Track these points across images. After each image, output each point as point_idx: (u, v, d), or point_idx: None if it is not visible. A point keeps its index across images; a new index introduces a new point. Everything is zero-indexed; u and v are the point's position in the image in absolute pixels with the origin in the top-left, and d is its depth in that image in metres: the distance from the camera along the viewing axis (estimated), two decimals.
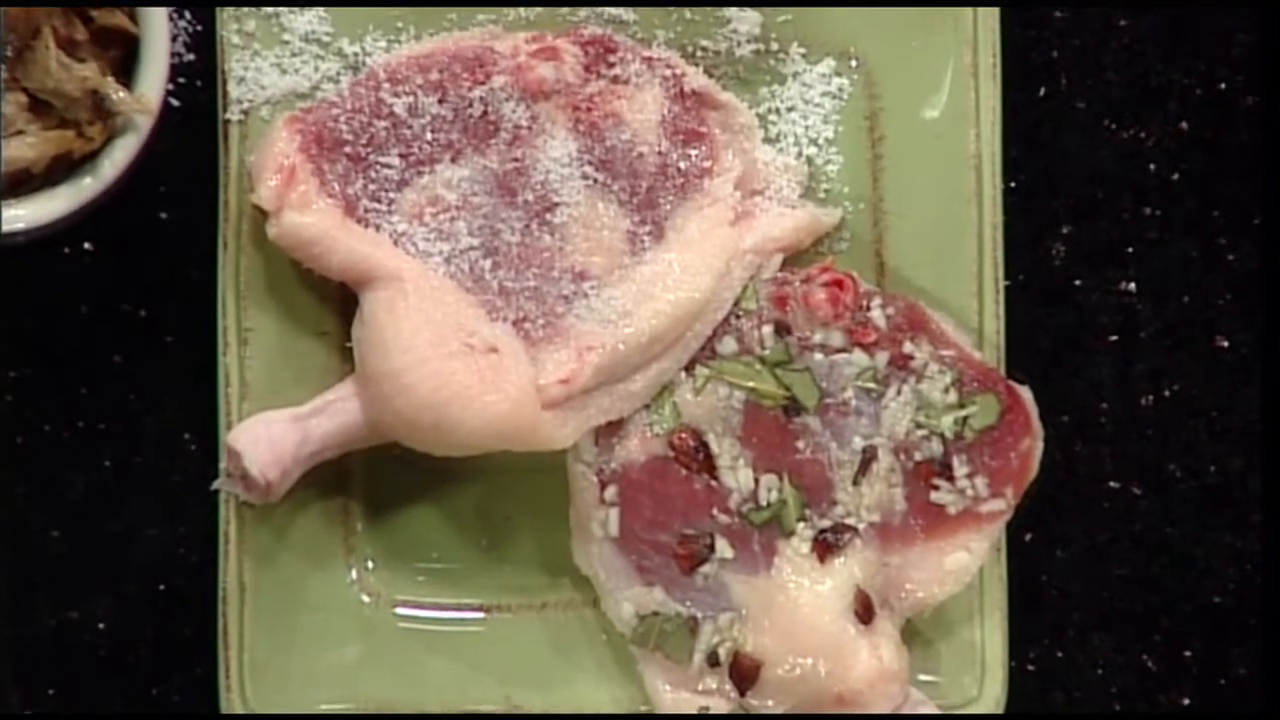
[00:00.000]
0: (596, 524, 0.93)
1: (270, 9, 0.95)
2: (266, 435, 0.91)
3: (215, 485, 0.93)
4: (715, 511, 0.92)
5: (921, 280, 0.96)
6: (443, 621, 0.98)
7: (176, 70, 0.96)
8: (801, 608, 0.91)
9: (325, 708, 0.97)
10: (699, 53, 0.97)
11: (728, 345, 0.93)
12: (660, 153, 0.93)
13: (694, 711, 0.93)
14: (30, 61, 0.89)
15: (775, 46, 0.97)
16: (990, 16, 0.96)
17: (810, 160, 0.97)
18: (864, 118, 0.97)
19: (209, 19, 0.96)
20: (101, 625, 0.99)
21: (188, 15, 0.97)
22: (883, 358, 0.92)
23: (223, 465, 0.93)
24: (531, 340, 0.91)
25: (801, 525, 0.92)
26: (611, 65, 0.94)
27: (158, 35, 0.91)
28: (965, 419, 0.92)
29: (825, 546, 0.92)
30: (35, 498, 0.99)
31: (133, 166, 0.91)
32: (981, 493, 0.92)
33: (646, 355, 0.92)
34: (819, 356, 0.92)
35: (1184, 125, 1.01)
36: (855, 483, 0.92)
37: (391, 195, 0.92)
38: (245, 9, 0.95)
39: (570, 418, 0.92)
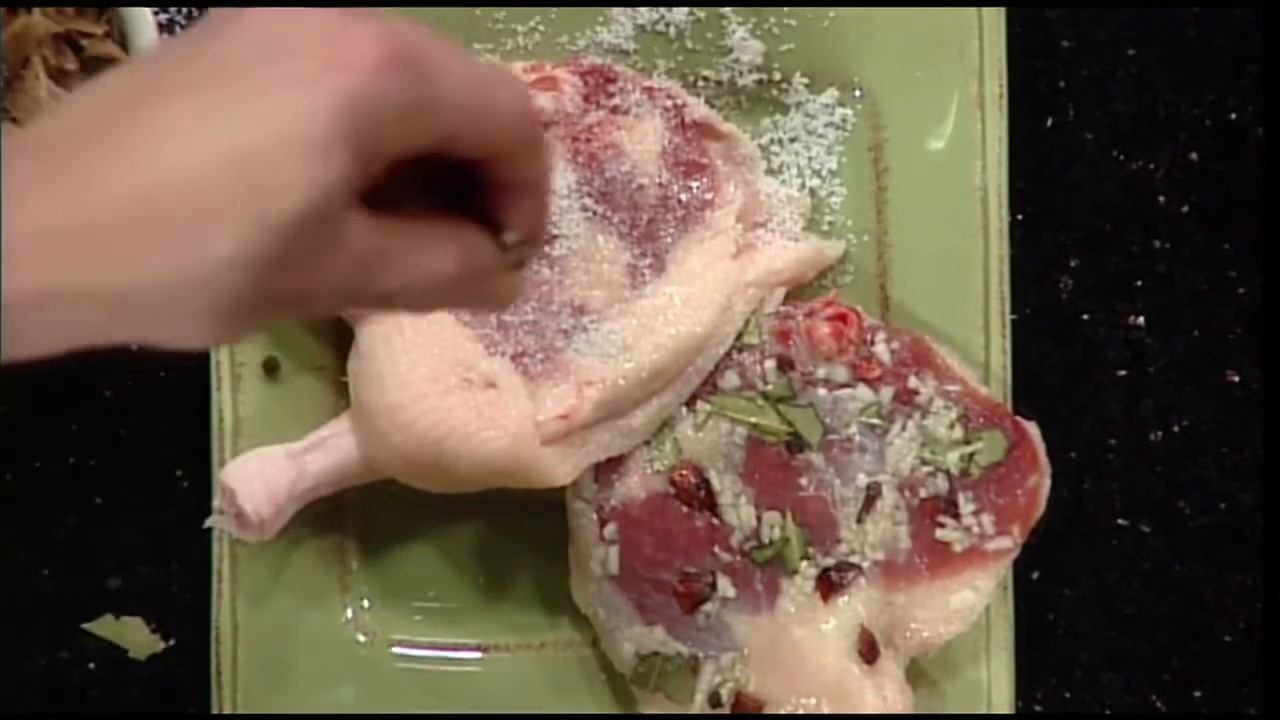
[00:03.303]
0: (596, 562, 0.92)
1: None
2: (260, 472, 0.90)
3: (208, 523, 0.92)
4: (717, 549, 0.91)
5: (926, 314, 0.96)
6: (440, 661, 0.97)
7: None
8: (804, 647, 0.91)
9: None
10: (700, 83, 0.96)
11: (730, 380, 0.92)
12: (661, 184, 0.93)
13: None
14: (20, 91, 0.89)
15: (778, 76, 0.96)
16: (996, 46, 0.95)
17: (813, 192, 0.96)
18: (868, 149, 0.96)
19: None
20: (92, 665, 0.98)
21: None
22: (887, 393, 0.91)
23: (216, 502, 0.92)
24: (530, 375, 0.90)
25: (804, 564, 0.91)
26: (611, 95, 0.93)
27: None
28: (971, 455, 0.91)
29: (829, 585, 0.91)
30: (25, 535, 0.98)
31: None
32: (988, 530, 0.91)
33: (647, 390, 0.91)
34: (822, 392, 0.92)
35: (1193, 156, 1.00)
36: (859, 520, 0.91)
37: None
38: None
39: (569, 454, 0.91)
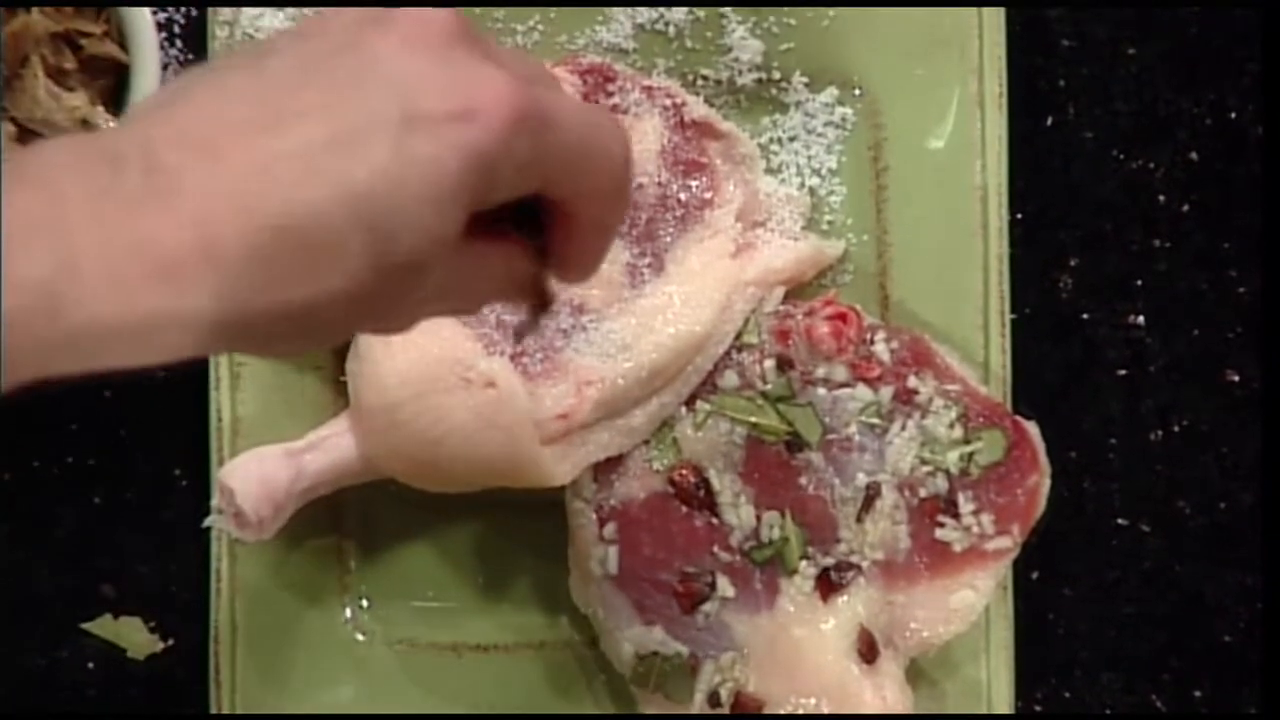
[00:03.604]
0: (595, 562, 0.92)
1: (264, 38, 0.94)
2: (259, 471, 0.90)
3: (207, 522, 0.92)
4: (716, 549, 0.91)
5: (926, 313, 0.95)
6: (439, 661, 0.97)
7: None
8: (804, 647, 0.90)
9: None
10: (700, 82, 0.96)
11: (729, 380, 0.92)
12: (660, 184, 0.92)
13: None
14: (19, 91, 0.88)
15: (777, 75, 0.96)
16: (996, 45, 0.95)
17: (813, 191, 0.96)
18: (868, 148, 0.96)
19: (200, 48, 0.96)
20: (91, 665, 0.98)
21: (179, 44, 0.97)
22: (887, 393, 0.91)
23: (215, 502, 0.92)
24: (529, 375, 0.90)
25: (804, 563, 0.91)
26: (610, 94, 0.93)
27: (148, 64, 0.90)
28: (971, 455, 0.91)
29: (828, 585, 0.91)
30: (24, 534, 0.98)
31: None
32: (987, 530, 0.91)
33: (646, 390, 0.91)
34: (822, 391, 0.91)
35: (1194, 156, 1.00)
36: (859, 520, 0.91)
37: None
38: (238, 38, 0.94)
39: (569, 453, 0.91)
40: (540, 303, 0.67)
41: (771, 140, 0.96)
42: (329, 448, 0.92)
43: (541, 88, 0.60)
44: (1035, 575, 0.99)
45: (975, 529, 0.91)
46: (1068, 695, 1.00)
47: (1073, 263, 1.00)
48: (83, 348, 0.53)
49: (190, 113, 0.56)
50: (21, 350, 0.52)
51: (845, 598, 0.91)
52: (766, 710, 0.90)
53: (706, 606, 0.91)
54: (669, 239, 0.92)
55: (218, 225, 0.53)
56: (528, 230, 0.63)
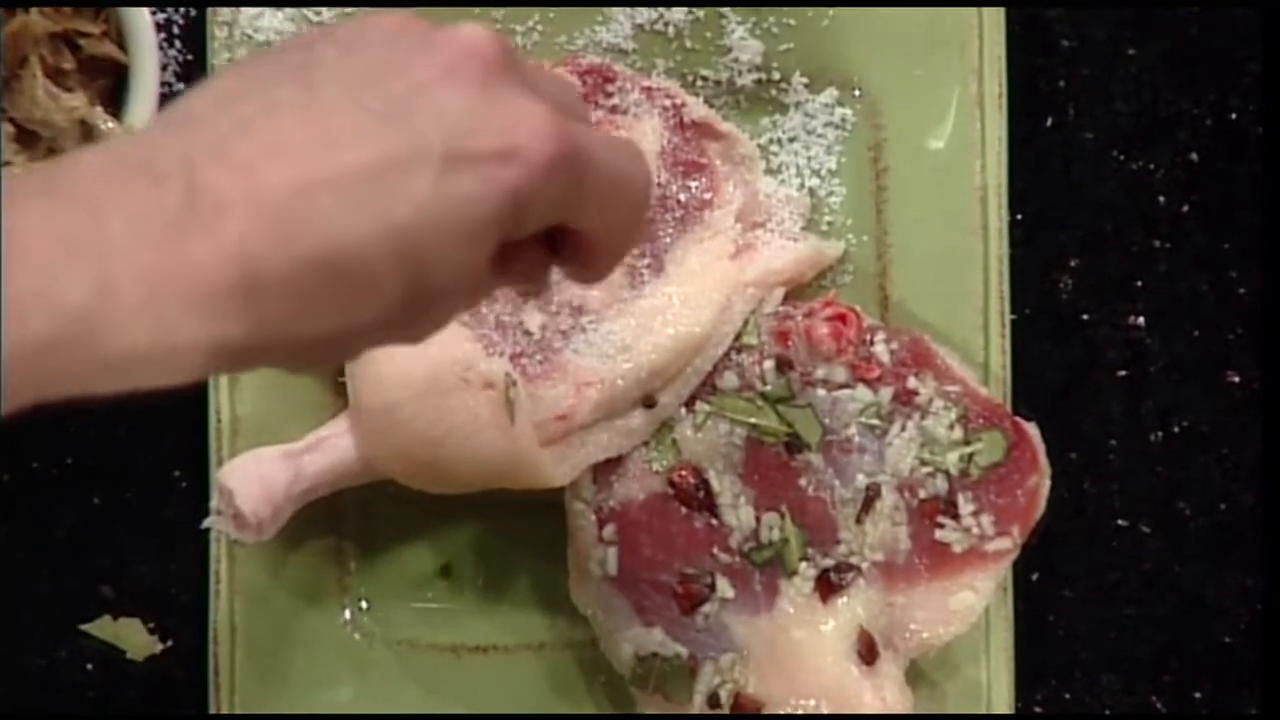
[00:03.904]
0: (595, 563, 0.92)
1: (263, 38, 0.94)
2: (258, 472, 0.90)
3: (206, 523, 0.92)
4: (716, 550, 0.91)
5: (926, 314, 0.95)
6: (438, 662, 0.97)
7: (167, 100, 0.95)
8: (803, 649, 0.90)
9: None
10: (699, 82, 0.96)
11: (728, 381, 0.92)
12: (659, 184, 0.92)
13: None
14: (17, 91, 0.88)
15: (777, 76, 0.96)
16: (996, 46, 0.95)
17: (813, 192, 0.96)
18: (867, 148, 0.96)
19: (199, 49, 0.95)
20: (90, 666, 0.98)
21: (178, 45, 0.97)
22: (886, 393, 0.91)
23: (214, 503, 0.91)
24: (529, 376, 0.90)
25: (804, 564, 0.91)
26: (610, 95, 0.93)
27: (147, 64, 0.90)
28: (971, 456, 0.91)
29: (828, 586, 0.90)
30: (23, 535, 0.98)
31: None
32: (987, 531, 0.91)
33: (646, 390, 0.91)
34: (821, 392, 0.91)
35: (1194, 156, 1.00)
36: (858, 521, 0.91)
37: None
38: (237, 39, 0.94)
39: (568, 455, 0.91)
40: (540, 290, 0.68)
41: (771, 141, 0.96)
42: (328, 448, 0.91)
43: (581, 130, 0.60)
44: (1035, 576, 0.99)
45: (975, 530, 0.91)
46: (1068, 696, 1.00)
47: (1073, 263, 0.99)
48: (114, 371, 0.53)
49: (232, 129, 0.55)
50: (54, 373, 0.52)
51: (845, 599, 0.91)
52: (766, 711, 0.90)
53: (706, 608, 0.91)
54: (668, 240, 0.92)
55: (258, 255, 0.53)
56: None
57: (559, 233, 0.64)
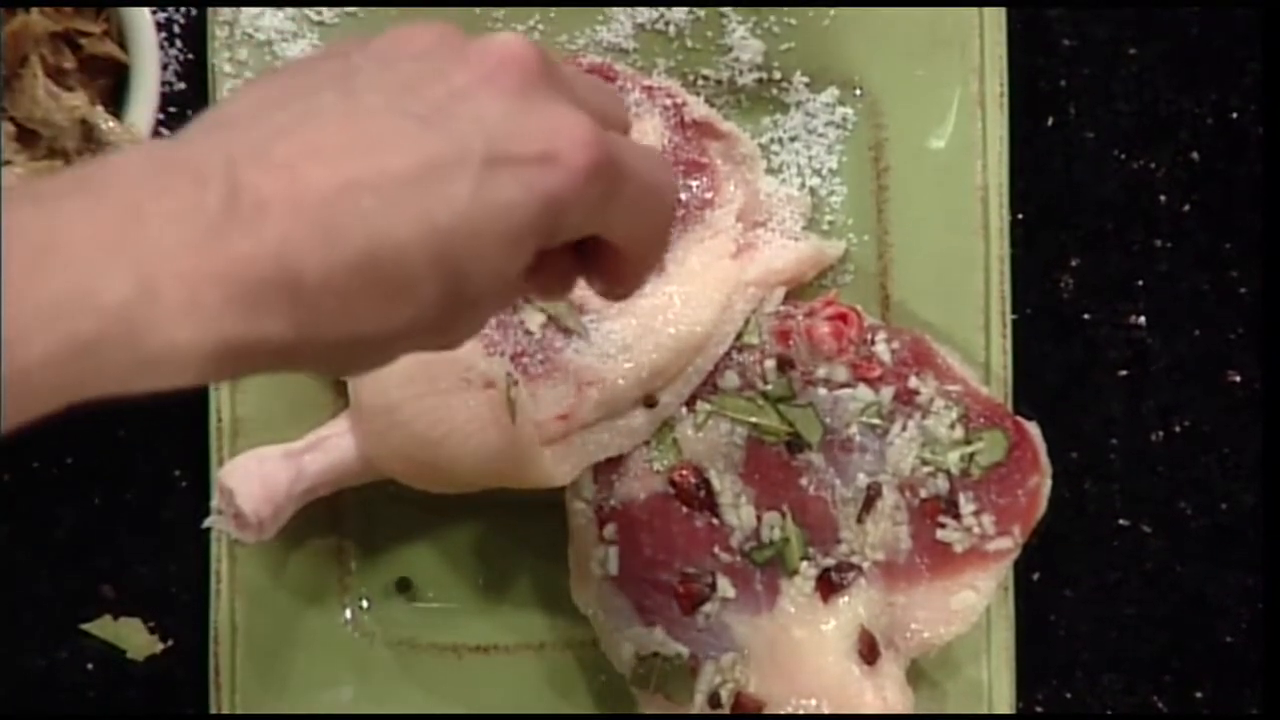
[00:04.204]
0: (595, 563, 0.92)
1: (264, 38, 0.94)
2: (259, 472, 0.90)
3: (207, 523, 0.92)
4: (717, 550, 0.91)
5: (927, 314, 0.95)
6: (439, 661, 0.97)
7: (167, 99, 0.95)
8: (804, 648, 0.90)
9: None
10: (700, 82, 0.96)
11: (729, 380, 0.91)
12: None
13: None
14: (18, 90, 0.88)
15: (778, 75, 0.96)
16: (997, 45, 0.95)
17: (814, 191, 0.96)
18: (868, 148, 0.96)
19: (200, 48, 0.95)
20: (90, 665, 0.98)
21: (178, 44, 0.97)
22: (887, 393, 0.91)
23: (214, 502, 0.91)
24: (529, 375, 0.90)
25: (804, 564, 0.91)
26: None
27: (148, 64, 0.90)
28: (972, 455, 0.91)
29: (829, 585, 0.90)
30: (23, 535, 0.98)
31: None
32: (988, 531, 0.91)
33: (647, 390, 0.91)
34: (822, 392, 0.91)
35: (1195, 156, 1.00)
36: (859, 520, 0.91)
37: None
38: (237, 38, 0.94)
39: (569, 454, 0.90)
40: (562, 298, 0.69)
41: (772, 140, 0.96)
42: (329, 448, 0.91)
43: (619, 142, 0.61)
44: (1036, 576, 0.99)
45: (976, 530, 0.91)
46: (1069, 696, 1.00)
47: (1074, 263, 0.99)
48: (154, 371, 0.53)
49: (273, 131, 0.55)
50: (95, 372, 0.52)
51: (846, 598, 0.90)
52: (767, 711, 0.90)
53: (707, 607, 0.91)
54: (669, 239, 0.92)
55: (299, 256, 0.53)
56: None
57: (588, 244, 0.64)
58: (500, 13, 0.95)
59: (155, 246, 0.51)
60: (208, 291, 0.52)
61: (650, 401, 0.91)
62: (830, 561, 0.91)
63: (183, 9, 0.97)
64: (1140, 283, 1.00)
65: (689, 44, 0.96)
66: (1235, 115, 1.00)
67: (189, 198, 0.53)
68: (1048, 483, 0.92)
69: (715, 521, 0.91)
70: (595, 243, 0.64)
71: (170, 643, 0.98)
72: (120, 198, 0.52)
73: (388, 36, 0.61)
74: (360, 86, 0.58)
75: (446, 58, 0.59)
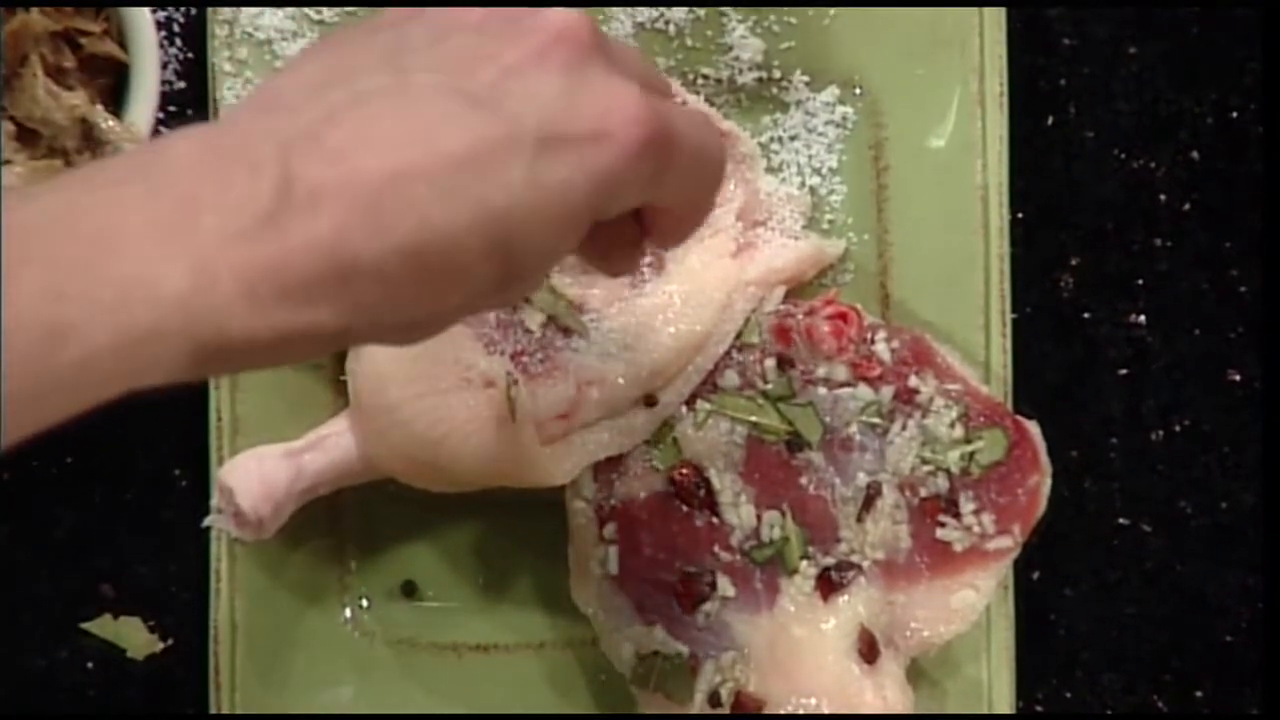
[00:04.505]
0: (595, 562, 0.92)
1: (264, 37, 0.94)
2: (259, 471, 0.90)
3: (207, 522, 0.92)
4: (717, 549, 0.91)
5: (927, 313, 0.95)
6: (439, 661, 0.97)
7: (167, 98, 0.95)
8: (804, 647, 0.90)
9: None
10: (700, 80, 0.96)
11: (729, 379, 0.91)
12: None
13: None
14: (18, 90, 0.88)
15: (778, 74, 0.96)
16: (997, 44, 0.95)
17: (814, 190, 0.96)
18: (868, 147, 0.96)
19: (200, 47, 0.95)
20: (90, 665, 0.98)
21: (178, 43, 0.96)
22: (887, 392, 0.91)
23: (214, 501, 0.91)
24: (530, 375, 0.90)
25: (804, 563, 0.90)
26: None
27: (148, 63, 0.90)
28: (972, 455, 0.91)
29: (829, 584, 0.90)
30: (23, 535, 0.98)
31: None
32: (988, 530, 0.91)
33: (647, 389, 0.91)
34: (822, 391, 0.91)
35: (1195, 155, 0.99)
36: (859, 519, 0.91)
37: None
38: (237, 37, 0.94)
39: (569, 453, 0.90)
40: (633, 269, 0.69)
41: (772, 139, 0.96)
42: (329, 447, 0.91)
43: (671, 114, 0.61)
44: (1036, 575, 0.99)
45: (976, 529, 0.91)
46: (1069, 695, 1.00)
47: (1074, 262, 0.99)
48: (211, 360, 0.53)
49: (324, 116, 0.55)
50: (151, 362, 0.52)
51: (846, 597, 0.90)
52: (767, 710, 0.90)
53: (707, 606, 0.91)
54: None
55: (353, 247, 0.53)
56: None
57: (640, 208, 0.65)
58: None
59: (211, 237, 0.51)
60: (262, 283, 0.52)
61: (650, 401, 0.91)
62: (830, 560, 0.91)
63: (183, 8, 0.97)
64: (1140, 282, 1.00)
65: (689, 43, 0.96)
66: (1235, 115, 1.00)
67: (243, 187, 0.53)
68: (1048, 482, 0.92)
69: (715, 520, 0.91)
70: (646, 206, 0.64)
71: (170, 642, 0.98)
72: (175, 186, 0.52)
73: (439, 9, 0.61)
74: (411, 65, 0.57)
75: (499, 32, 0.59)
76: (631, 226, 0.66)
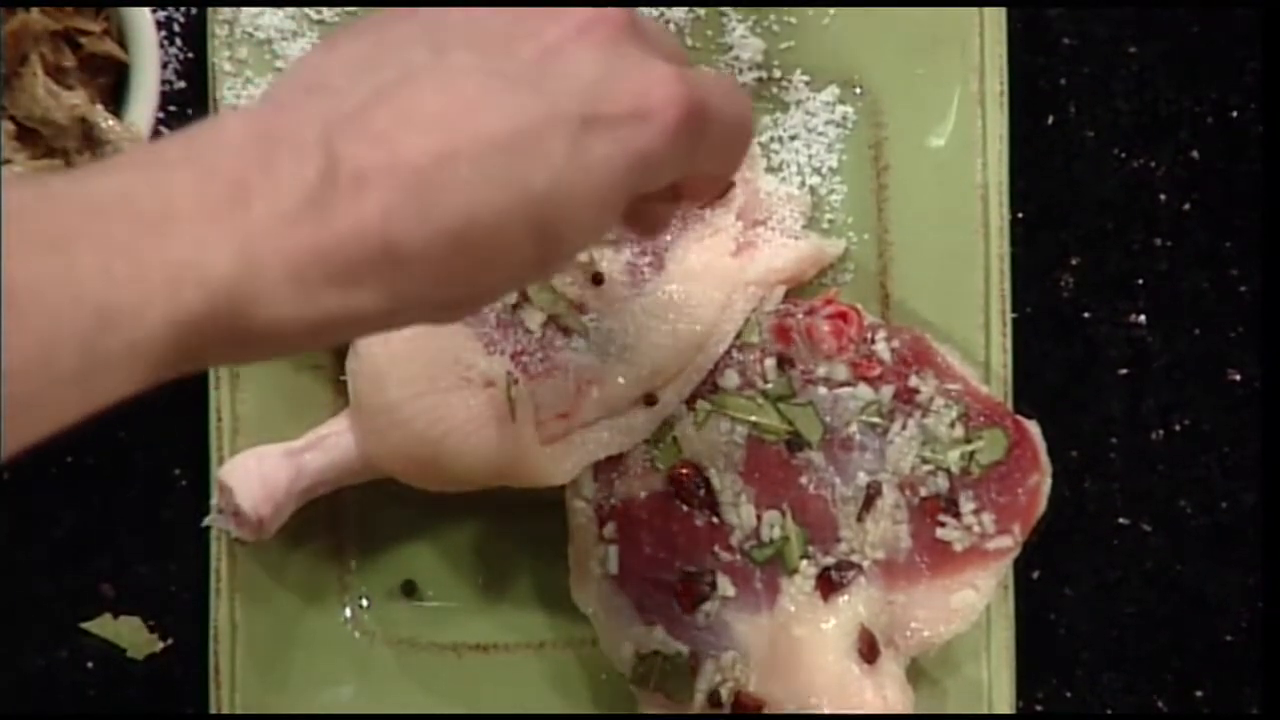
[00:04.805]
0: (595, 561, 0.92)
1: (264, 37, 0.94)
2: (259, 470, 0.90)
3: (206, 521, 0.92)
4: (717, 548, 0.91)
5: (927, 312, 0.95)
6: (439, 661, 0.97)
7: (167, 98, 0.95)
8: (804, 647, 0.90)
9: None
10: None
11: (730, 379, 0.91)
12: None
13: None
14: (18, 89, 0.88)
15: (778, 74, 0.96)
16: (997, 44, 0.95)
17: (814, 190, 0.96)
18: (868, 146, 0.96)
19: (200, 47, 0.95)
20: (90, 664, 0.98)
21: (178, 43, 0.96)
22: (887, 392, 0.91)
23: (214, 501, 0.91)
24: (530, 374, 0.90)
25: (804, 563, 0.90)
26: None
27: (148, 62, 0.90)
28: (972, 454, 0.91)
29: (829, 584, 0.90)
30: (23, 534, 0.98)
31: None
32: (988, 529, 0.91)
33: (647, 388, 0.91)
34: (822, 390, 0.91)
35: (1195, 154, 0.99)
36: (859, 519, 0.91)
37: None
38: (237, 37, 0.94)
39: (569, 453, 0.90)
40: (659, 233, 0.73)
41: (772, 139, 0.96)
42: (329, 447, 0.91)
43: (705, 87, 0.61)
44: (1036, 575, 0.99)
45: (976, 528, 0.91)
46: (1069, 695, 1.00)
47: (1074, 262, 0.99)
48: (258, 343, 0.53)
49: (368, 97, 0.56)
50: (203, 344, 0.52)
51: (846, 597, 0.90)
52: (767, 710, 0.90)
53: (707, 606, 0.91)
54: (669, 238, 0.92)
55: (398, 230, 0.53)
56: None
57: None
58: None
59: (258, 222, 0.52)
60: (309, 267, 0.53)
61: (650, 400, 0.91)
62: (830, 560, 0.91)
63: (183, 8, 0.97)
64: (1140, 281, 1.00)
65: (689, 42, 0.95)
66: (1235, 115, 1.00)
67: (289, 171, 0.53)
68: (1048, 481, 0.92)
69: (715, 520, 0.91)
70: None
71: (170, 642, 0.98)
72: (223, 169, 0.53)
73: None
74: (451, 43, 0.58)
75: (537, 13, 0.59)
76: (664, 192, 0.67)
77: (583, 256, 0.90)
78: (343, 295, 0.53)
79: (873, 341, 0.92)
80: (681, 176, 0.63)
